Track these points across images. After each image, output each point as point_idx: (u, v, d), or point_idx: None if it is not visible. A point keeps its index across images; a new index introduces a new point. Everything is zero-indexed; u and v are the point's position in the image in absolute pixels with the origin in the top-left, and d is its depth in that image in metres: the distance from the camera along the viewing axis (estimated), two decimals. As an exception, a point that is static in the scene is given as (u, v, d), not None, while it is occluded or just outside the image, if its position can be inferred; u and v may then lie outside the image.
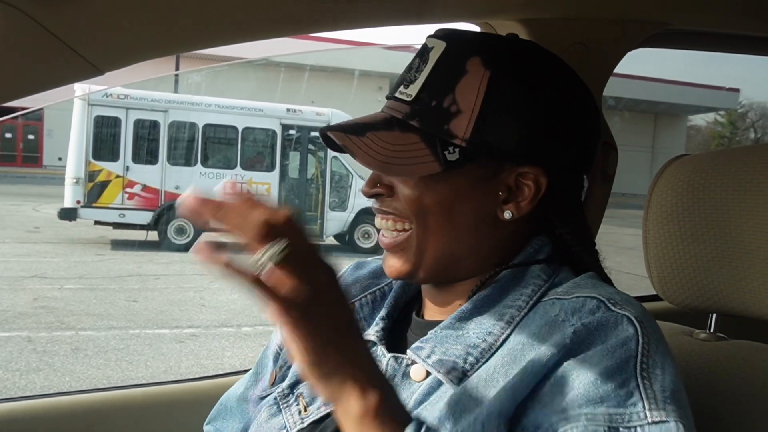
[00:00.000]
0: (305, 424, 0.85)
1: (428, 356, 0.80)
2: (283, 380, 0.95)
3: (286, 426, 0.87)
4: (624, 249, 8.46)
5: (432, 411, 0.75)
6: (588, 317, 0.74)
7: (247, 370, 1.15)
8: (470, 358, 0.78)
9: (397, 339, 0.91)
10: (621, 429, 0.67)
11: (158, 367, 5.30)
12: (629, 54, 1.31)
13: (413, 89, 0.83)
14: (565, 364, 0.71)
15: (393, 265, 0.87)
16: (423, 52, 0.85)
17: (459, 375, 0.77)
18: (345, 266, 1.05)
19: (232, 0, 0.89)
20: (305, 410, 0.87)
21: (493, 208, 0.84)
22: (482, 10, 1.18)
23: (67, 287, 7.75)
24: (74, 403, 1.24)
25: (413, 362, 0.82)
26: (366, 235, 12.22)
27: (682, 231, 1.01)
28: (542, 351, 0.73)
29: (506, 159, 0.83)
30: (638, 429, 0.66)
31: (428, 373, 0.80)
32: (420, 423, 0.64)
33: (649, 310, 0.87)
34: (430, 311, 0.92)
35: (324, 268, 0.63)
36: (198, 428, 1.23)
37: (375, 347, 0.89)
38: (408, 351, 0.83)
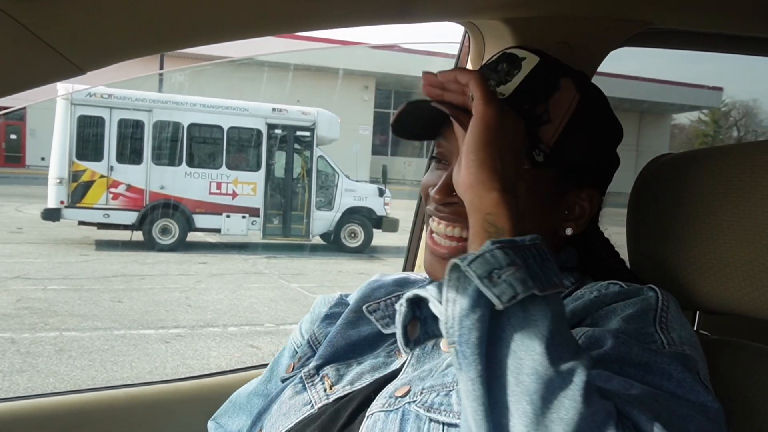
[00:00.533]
0: (330, 400, 0.92)
1: None
2: (301, 368, 1.01)
3: (311, 401, 0.94)
4: (609, 247, 8.51)
5: None
6: (612, 289, 0.84)
7: (234, 370, 1.16)
8: None
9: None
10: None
11: (143, 368, 5.28)
12: (613, 53, 1.32)
13: (506, 89, 0.90)
14: (589, 318, 0.80)
15: (439, 266, 0.91)
16: (513, 59, 0.93)
17: None
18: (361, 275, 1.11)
19: (215, 0, 0.88)
20: (330, 388, 0.94)
21: (555, 223, 0.93)
22: (466, 10, 1.19)
23: (51, 288, 7.69)
24: (57, 404, 1.23)
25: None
26: (352, 235, 12.21)
27: (665, 229, 1.02)
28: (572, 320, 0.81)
29: (573, 175, 0.93)
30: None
31: None
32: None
33: None
34: None
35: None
36: (184, 428, 1.23)
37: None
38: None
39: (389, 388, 0.87)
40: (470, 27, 1.27)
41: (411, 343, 0.71)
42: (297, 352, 1.08)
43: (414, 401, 0.81)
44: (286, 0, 0.91)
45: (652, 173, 1.07)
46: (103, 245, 10.82)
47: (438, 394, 0.80)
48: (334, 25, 1.11)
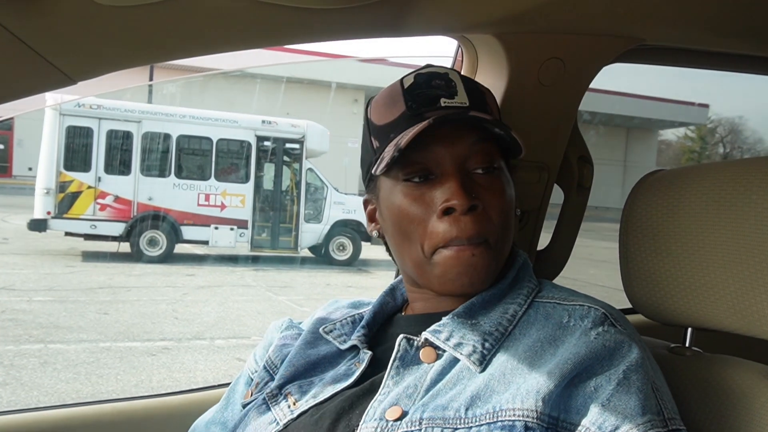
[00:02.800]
0: (294, 415, 0.93)
1: (447, 339, 0.89)
2: (260, 392, 1.02)
3: (276, 419, 0.94)
4: (599, 262, 8.53)
5: (454, 390, 0.84)
6: (603, 334, 0.84)
7: (221, 385, 1.15)
8: (487, 344, 0.87)
9: (378, 343, 0.99)
10: None
11: (129, 381, 5.23)
12: (605, 69, 1.32)
13: (462, 99, 0.95)
14: (595, 379, 0.81)
15: (483, 278, 0.92)
16: (440, 75, 0.97)
17: (479, 358, 0.86)
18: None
19: (207, 11, 0.88)
20: (294, 404, 0.95)
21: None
22: (459, 25, 1.19)
23: (36, 299, 7.62)
24: (41, 419, 1.21)
25: (424, 345, 0.91)
26: (341, 247, 12.19)
27: (658, 246, 1.02)
28: (566, 354, 0.82)
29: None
30: None
31: (438, 356, 0.89)
32: None
33: None
34: (423, 310, 1.00)
35: None
36: (170, 444, 1.21)
37: (358, 352, 0.98)
38: (423, 333, 0.91)
39: (376, 408, 0.85)
40: (463, 41, 1.28)
41: None
42: (252, 380, 1.08)
43: (412, 430, 0.81)
44: (277, 12, 0.91)
45: (644, 189, 1.07)
46: (89, 256, 10.75)
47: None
48: (326, 38, 1.11)
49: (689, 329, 1.05)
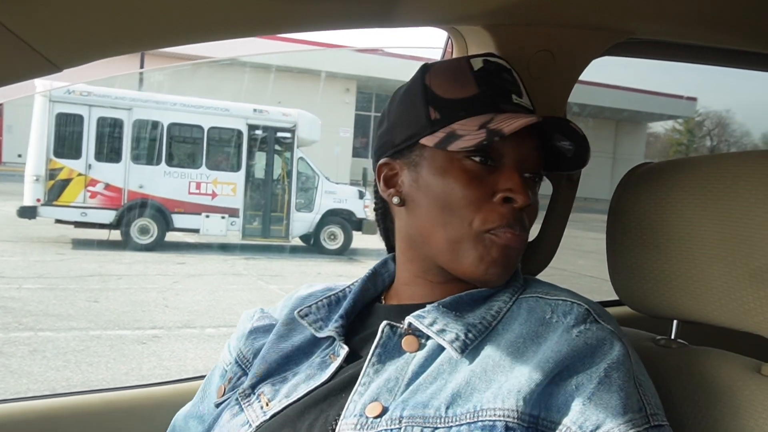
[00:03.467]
0: (267, 416, 0.91)
1: (431, 324, 0.89)
2: (233, 390, 1.00)
3: (248, 421, 0.92)
4: (586, 252, 8.56)
5: (435, 385, 0.83)
6: (585, 332, 0.84)
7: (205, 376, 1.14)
8: (470, 335, 0.87)
9: (356, 333, 0.98)
10: (641, 430, 0.77)
11: (119, 369, 5.22)
12: (594, 61, 1.32)
13: (527, 102, 0.96)
14: (576, 377, 0.81)
15: (508, 273, 0.93)
16: (504, 68, 0.98)
17: (461, 345, 0.86)
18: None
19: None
20: (267, 405, 0.92)
21: None
22: (448, 16, 1.18)
23: (26, 287, 7.58)
24: (28, 409, 1.21)
25: (407, 332, 0.90)
26: (332, 237, 12.18)
27: (644, 239, 1.02)
28: (548, 352, 0.82)
29: None
30: (648, 430, 0.78)
31: (420, 346, 0.88)
32: None
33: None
34: (406, 299, 0.99)
35: None
36: (159, 433, 1.21)
37: (334, 342, 0.96)
38: (407, 318, 0.90)
39: (356, 402, 0.84)
40: (453, 33, 1.27)
41: None
42: (226, 372, 1.06)
43: (392, 429, 0.80)
44: (266, 2, 0.91)
45: (631, 182, 1.08)
46: (79, 244, 10.70)
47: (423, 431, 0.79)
48: (316, 28, 1.11)
49: (675, 322, 1.06)
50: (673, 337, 1.06)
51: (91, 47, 0.91)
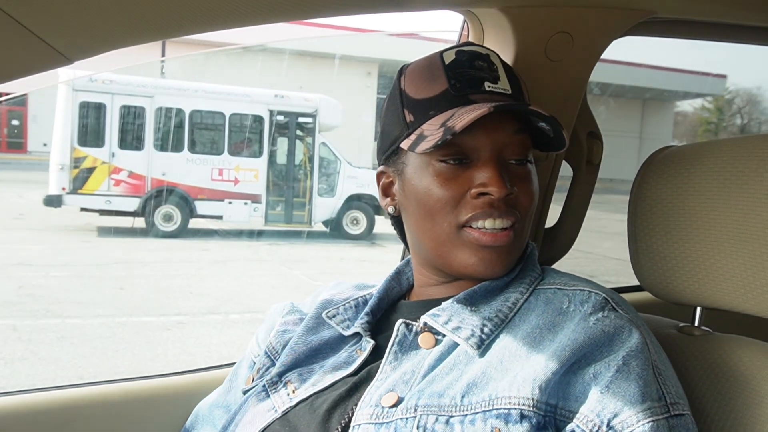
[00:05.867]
0: (293, 403, 0.92)
1: (446, 323, 0.88)
2: (260, 379, 1.02)
3: (275, 407, 0.93)
4: (612, 234, 8.48)
5: (451, 376, 0.83)
6: (603, 320, 0.83)
7: (226, 365, 1.15)
8: (486, 329, 0.87)
9: (382, 329, 0.98)
10: (660, 420, 0.76)
11: (145, 355, 5.28)
12: (615, 41, 1.29)
13: (504, 86, 0.93)
14: (594, 365, 0.80)
15: (505, 263, 0.92)
16: (481, 56, 0.95)
17: (477, 342, 0.85)
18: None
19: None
20: (294, 392, 0.94)
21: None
22: (464, -2, 1.16)
23: (53, 275, 7.69)
24: (50, 399, 1.22)
25: (423, 330, 0.90)
26: (354, 222, 12.19)
27: (668, 224, 1.00)
28: (565, 340, 0.81)
29: None
30: (669, 419, 0.77)
31: (437, 341, 0.89)
32: None
33: (633, 302, 0.89)
34: (425, 297, 1.00)
35: None
36: (178, 424, 1.22)
37: (360, 338, 0.97)
38: (422, 317, 0.91)
39: (372, 394, 0.85)
40: (469, 16, 1.25)
41: None
42: (255, 363, 1.08)
43: (407, 417, 0.80)
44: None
45: (653, 166, 1.05)
46: (104, 232, 10.82)
47: (437, 420, 0.79)
48: (332, 13, 1.09)
49: (698, 308, 1.03)
50: (696, 324, 1.04)
51: (102, 39, 0.90)
